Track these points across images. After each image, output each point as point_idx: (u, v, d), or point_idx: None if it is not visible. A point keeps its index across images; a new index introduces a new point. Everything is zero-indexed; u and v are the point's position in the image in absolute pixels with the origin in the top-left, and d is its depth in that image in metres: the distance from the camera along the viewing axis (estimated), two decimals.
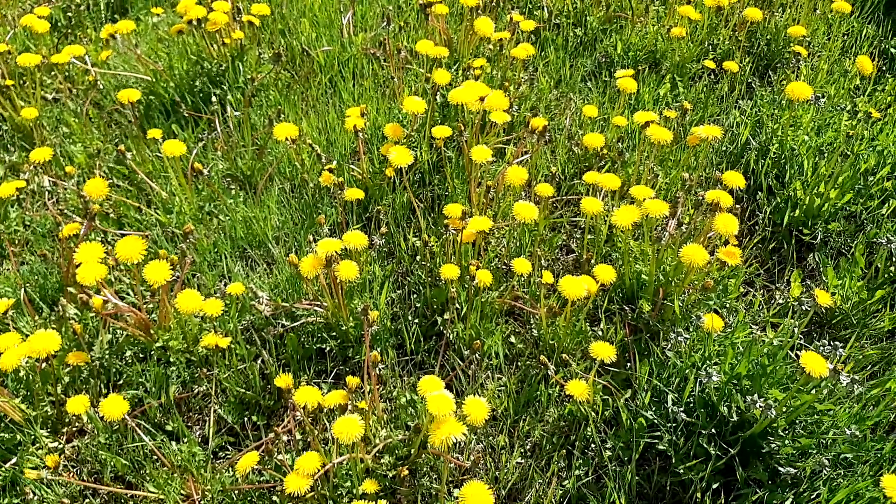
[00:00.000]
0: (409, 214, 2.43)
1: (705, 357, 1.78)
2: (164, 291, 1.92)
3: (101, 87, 3.04)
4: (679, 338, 1.74)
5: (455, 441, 1.50)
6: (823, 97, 2.35)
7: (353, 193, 2.08)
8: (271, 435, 1.81)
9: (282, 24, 3.24)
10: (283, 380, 1.68)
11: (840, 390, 1.71)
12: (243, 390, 1.91)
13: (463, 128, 2.37)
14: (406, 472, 1.65)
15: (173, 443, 1.84)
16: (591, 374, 1.80)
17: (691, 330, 1.94)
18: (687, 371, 1.76)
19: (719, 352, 1.89)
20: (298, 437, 1.84)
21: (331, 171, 2.28)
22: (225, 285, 2.24)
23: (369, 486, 1.62)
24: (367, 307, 1.75)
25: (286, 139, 2.21)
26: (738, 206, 2.27)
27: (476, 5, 2.82)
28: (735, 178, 2.07)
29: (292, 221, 2.35)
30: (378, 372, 1.99)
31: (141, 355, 2.03)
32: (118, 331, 2.04)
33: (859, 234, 2.30)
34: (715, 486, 1.68)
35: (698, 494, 1.67)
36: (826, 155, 2.48)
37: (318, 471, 1.49)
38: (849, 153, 2.37)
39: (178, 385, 1.95)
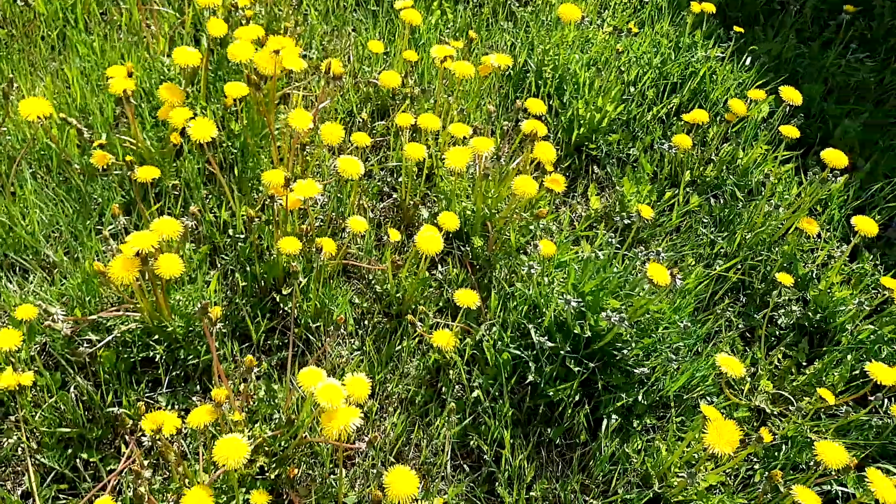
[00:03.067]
0: (203, 183, 2.15)
1: (549, 283, 1.87)
2: None
3: None
4: (531, 270, 1.80)
5: (355, 427, 1.41)
6: (587, 17, 2.51)
7: (148, 172, 1.76)
8: (117, 471, 1.54)
9: None
10: (149, 421, 1.41)
11: (661, 290, 1.92)
12: (62, 429, 1.59)
13: (252, 82, 2.12)
14: (296, 471, 1.53)
15: None
16: (458, 322, 1.80)
17: (522, 259, 2.02)
18: (539, 299, 1.84)
19: (551, 274, 2.01)
20: (146, 464, 1.59)
21: (102, 146, 1.91)
22: None
23: (259, 498, 1.47)
24: (205, 305, 1.53)
25: (38, 119, 1.78)
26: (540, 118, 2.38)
27: None
28: (536, 105, 2.14)
29: (63, 213, 1.95)
30: (225, 370, 1.79)
31: None
32: None
33: (635, 141, 2.55)
34: (578, 398, 1.81)
35: (569, 411, 1.79)
36: (597, 69, 2.68)
37: None
38: (621, 69, 2.58)
39: None
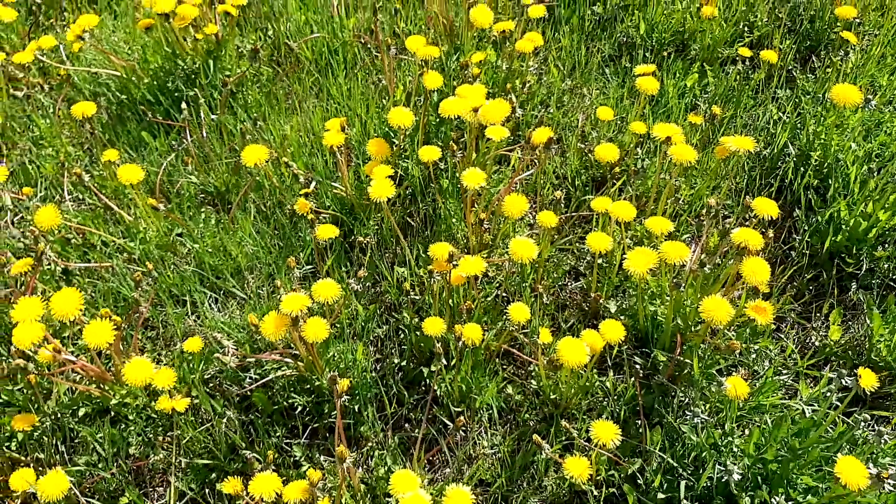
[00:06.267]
0: (398, 237, 2.19)
1: (727, 434, 1.53)
2: (115, 349, 1.72)
3: (76, 80, 2.80)
4: (696, 419, 1.49)
5: None
6: (873, 99, 2.01)
7: (327, 231, 1.83)
8: None
9: (266, 6, 2.94)
10: (230, 485, 1.47)
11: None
12: (205, 460, 1.72)
13: (456, 141, 2.10)
14: None
15: None
16: (594, 453, 1.56)
17: (711, 391, 1.69)
18: (705, 453, 1.51)
19: (742, 418, 1.65)
20: None
21: (307, 195, 2.03)
22: (195, 321, 2.03)
23: None
24: (334, 377, 1.53)
25: (256, 164, 1.96)
26: (771, 225, 1.99)
27: None
28: (767, 207, 1.77)
29: (268, 249, 2.12)
30: (364, 431, 1.79)
31: (101, 411, 1.85)
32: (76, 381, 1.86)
33: None
34: None
35: None
36: (876, 164, 2.16)
37: None
38: None
39: (137, 447, 1.77)
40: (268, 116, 2.48)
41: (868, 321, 1.84)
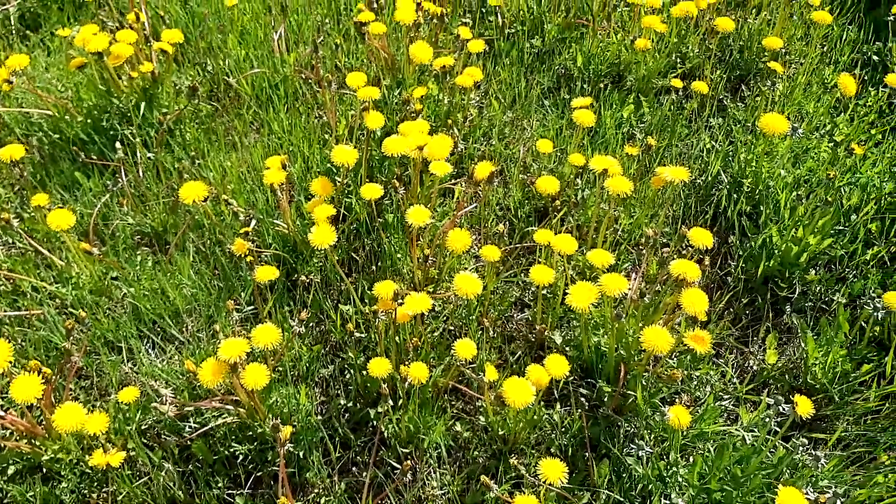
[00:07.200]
0: (344, 274, 2.16)
1: (671, 464, 1.55)
2: (45, 402, 1.65)
3: (6, 120, 2.71)
4: (640, 452, 1.51)
5: None
6: (800, 127, 2.09)
7: (266, 273, 1.80)
8: None
9: (205, 42, 2.91)
10: None
11: None
12: None
13: (399, 177, 2.09)
14: None
15: None
16: (543, 490, 1.56)
17: (656, 421, 1.71)
18: (651, 485, 1.52)
19: (686, 447, 1.67)
20: None
21: (246, 234, 2.00)
22: (131, 368, 1.96)
23: None
24: (276, 425, 1.49)
25: (194, 202, 1.92)
26: (706, 253, 2.04)
27: (414, 21, 2.50)
28: (702, 237, 1.81)
29: (207, 291, 2.07)
30: (311, 478, 1.75)
31: (32, 468, 1.77)
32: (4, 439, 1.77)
33: (841, 284, 2.07)
34: None
35: None
36: (804, 189, 2.24)
37: None
38: (830, 190, 2.12)
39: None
40: (207, 153, 2.44)
41: (802, 344, 1.89)
